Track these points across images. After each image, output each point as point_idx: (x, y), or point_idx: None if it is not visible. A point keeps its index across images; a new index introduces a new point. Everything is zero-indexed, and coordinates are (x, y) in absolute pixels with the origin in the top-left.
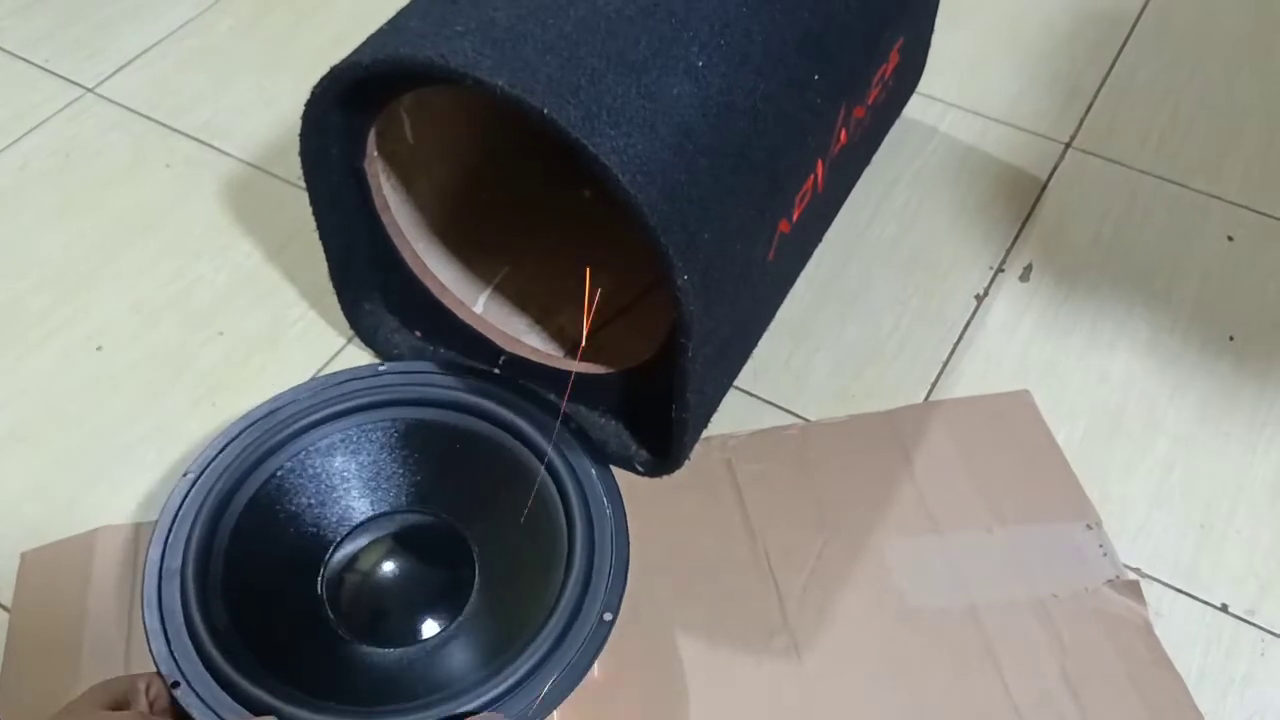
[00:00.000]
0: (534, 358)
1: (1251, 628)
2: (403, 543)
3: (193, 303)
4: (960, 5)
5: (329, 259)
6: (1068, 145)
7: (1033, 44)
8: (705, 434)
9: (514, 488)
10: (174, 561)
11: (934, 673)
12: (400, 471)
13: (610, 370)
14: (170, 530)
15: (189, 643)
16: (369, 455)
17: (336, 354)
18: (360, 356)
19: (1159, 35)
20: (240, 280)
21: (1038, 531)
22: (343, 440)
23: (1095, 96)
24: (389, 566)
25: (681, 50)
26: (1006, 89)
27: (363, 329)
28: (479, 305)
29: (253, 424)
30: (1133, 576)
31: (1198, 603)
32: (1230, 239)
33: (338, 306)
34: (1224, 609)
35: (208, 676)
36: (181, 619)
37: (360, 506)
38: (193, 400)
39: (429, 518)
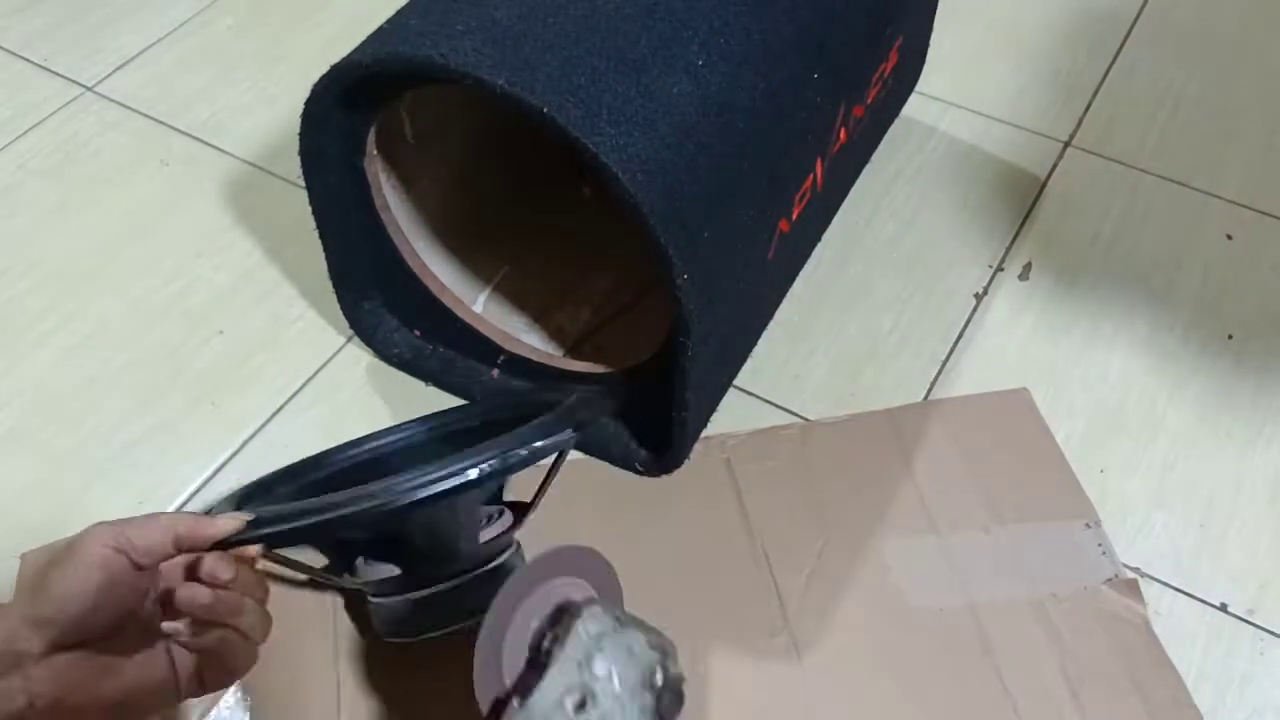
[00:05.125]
0: (534, 357)
1: (1251, 627)
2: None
3: (192, 302)
4: (960, 4)
5: (329, 258)
6: (1067, 144)
7: (1032, 42)
8: (705, 434)
9: None
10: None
11: (933, 672)
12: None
13: (610, 370)
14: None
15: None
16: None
17: (336, 353)
18: (360, 355)
19: (1158, 34)
20: (240, 279)
21: (1037, 530)
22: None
23: (1094, 95)
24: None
25: (681, 49)
26: (1006, 87)
27: (362, 328)
28: (479, 304)
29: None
30: (1132, 575)
31: (1197, 602)
32: (1229, 237)
33: (338, 306)
34: (1223, 608)
35: None
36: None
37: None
38: (192, 400)
39: None
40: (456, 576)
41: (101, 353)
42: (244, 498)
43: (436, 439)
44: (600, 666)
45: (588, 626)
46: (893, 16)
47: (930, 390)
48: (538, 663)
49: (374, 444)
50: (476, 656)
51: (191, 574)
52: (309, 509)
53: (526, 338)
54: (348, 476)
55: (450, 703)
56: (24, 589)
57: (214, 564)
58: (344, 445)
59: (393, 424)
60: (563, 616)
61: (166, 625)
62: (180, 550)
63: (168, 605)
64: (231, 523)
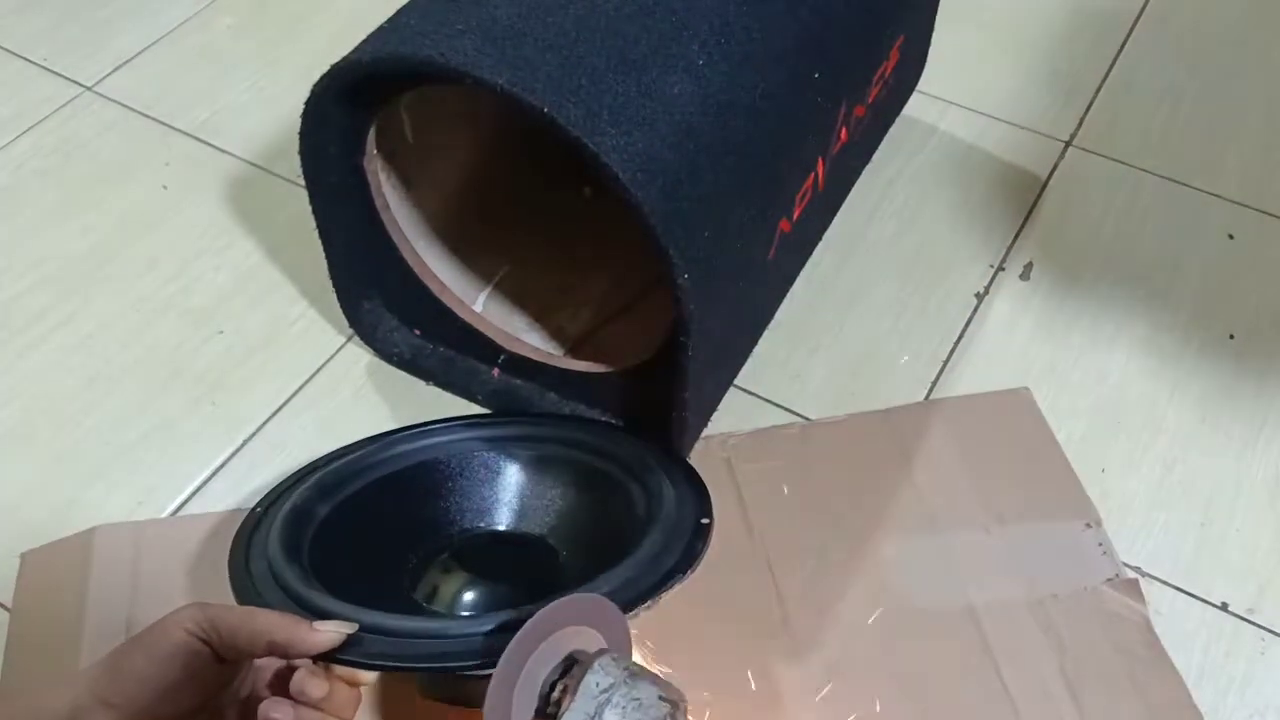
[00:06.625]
0: (534, 356)
1: (1251, 626)
2: (500, 553)
3: (192, 302)
4: (960, 3)
5: (329, 257)
6: (1068, 143)
7: (1033, 42)
8: (705, 433)
9: (622, 527)
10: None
11: (933, 672)
12: (533, 498)
13: (610, 370)
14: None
15: (287, 519)
16: (516, 475)
17: (336, 352)
18: (360, 355)
19: (1159, 33)
20: (240, 279)
21: (1037, 530)
22: (503, 456)
23: (1095, 94)
24: (481, 575)
25: (682, 49)
26: (1007, 87)
27: (362, 327)
28: (479, 304)
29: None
30: (1132, 575)
31: (1197, 601)
32: (1231, 237)
33: (337, 305)
34: (1224, 608)
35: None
36: (294, 499)
37: (484, 516)
38: (192, 399)
39: (531, 534)
40: None
41: (101, 353)
42: (307, 503)
43: (481, 441)
44: (610, 718)
45: (598, 679)
46: (894, 16)
47: (931, 390)
48: (546, 713)
49: (417, 444)
50: (487, 705)
51: (281, 682)
52: (421, 653)
53: (527, 337)
54: (398, 485)
55: None
56: (99, 661)
57: (305, 681)
58: (386, 440)
59: (425, 420)
60: (573, 667)
61: None
62: (273, 655)
63: (249, 715)
64: (333, 635)
